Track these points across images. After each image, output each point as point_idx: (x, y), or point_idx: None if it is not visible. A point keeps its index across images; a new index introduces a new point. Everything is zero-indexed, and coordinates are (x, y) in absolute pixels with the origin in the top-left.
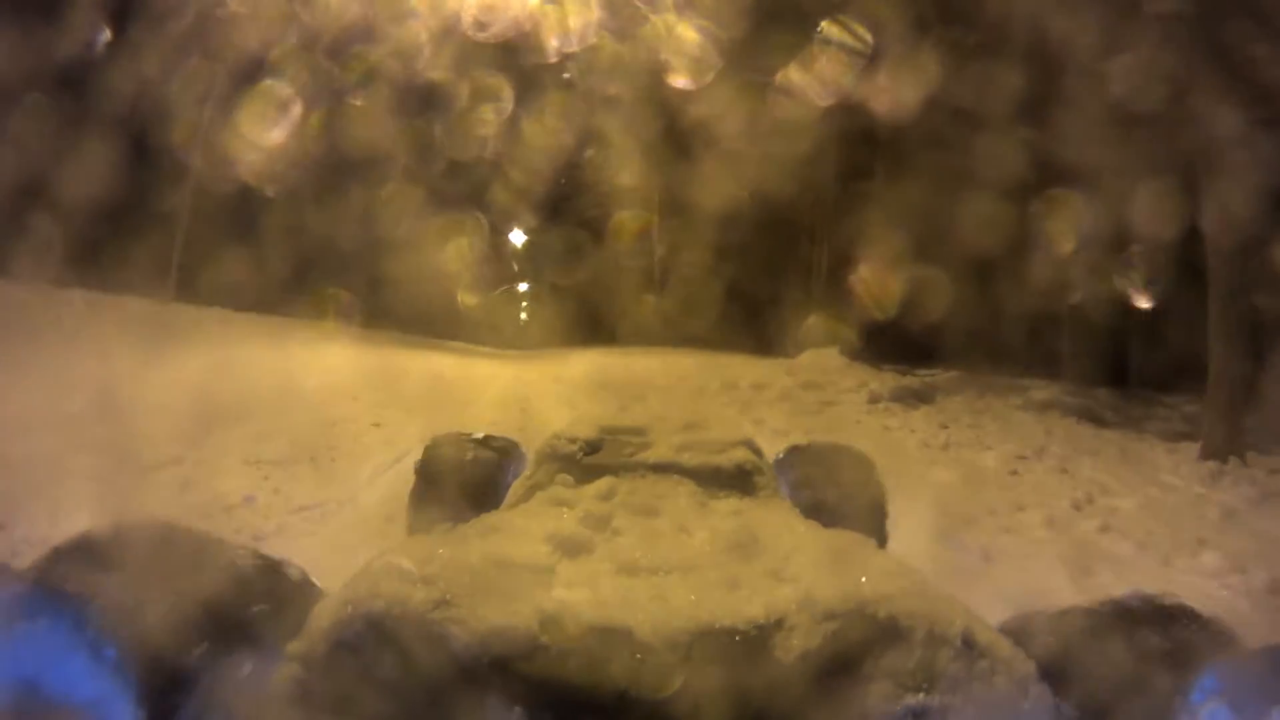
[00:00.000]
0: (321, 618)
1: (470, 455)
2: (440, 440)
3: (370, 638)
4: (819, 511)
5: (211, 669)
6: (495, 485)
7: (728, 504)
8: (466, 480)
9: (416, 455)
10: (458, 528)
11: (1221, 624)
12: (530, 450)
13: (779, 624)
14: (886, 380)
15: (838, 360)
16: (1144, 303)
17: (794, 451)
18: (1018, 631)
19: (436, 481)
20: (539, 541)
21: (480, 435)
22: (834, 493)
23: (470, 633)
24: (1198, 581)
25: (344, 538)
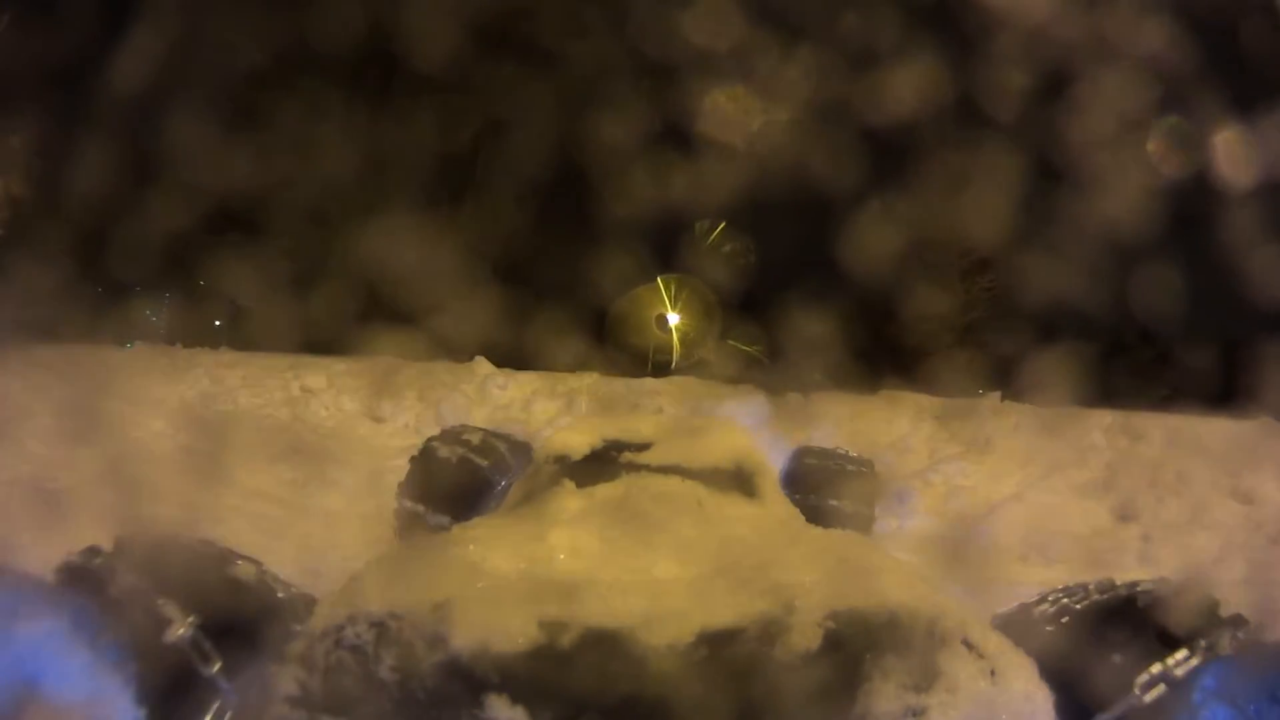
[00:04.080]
0: (322, 619)
1: (469, 453)
2: (440, 437)
3: (370, 638)
4: (820, 513)
5: (210, 670)
6: (494, 485)
7: (729, 505)
8: (464, 479)
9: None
10: (457, 530)
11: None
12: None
13: (780, 624)
14: None
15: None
16: None
17: (795, 455)
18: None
19: (433, 479)
20: (540, 543)
21: (482, 431)
22: (834, 494)
23: (471, 634)
24: None
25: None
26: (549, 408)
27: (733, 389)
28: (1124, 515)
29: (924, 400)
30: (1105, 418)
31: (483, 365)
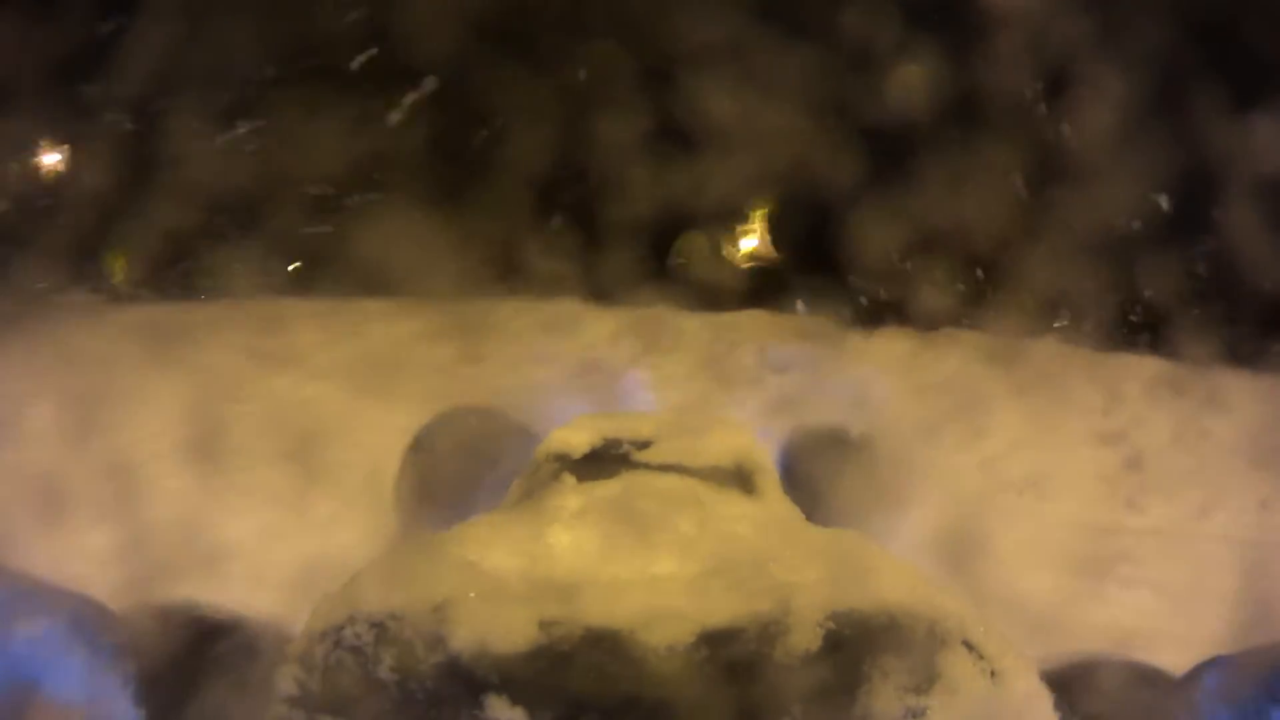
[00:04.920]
0: (322, 619)
1: (475, 438)
2: (441, 419)
3: (370, 639)
4: (819, 506)
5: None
6: (499, 474)
7: (729, 504)
8: (468, 468)
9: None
10: (457, 529)
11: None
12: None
13: (779, 624)
14: None
15: None
16: None
17: (792, 441)
18: None
19: (433, 468)
20: (539, 542)
21: (488, 411)
22: (834, 484)
23: (470, 634)
24: None
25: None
26: (634, 344)
27: (807, 322)
28: (1131, 465)
29: (977, 339)
30: (1150, 367)
31: (569, 302)
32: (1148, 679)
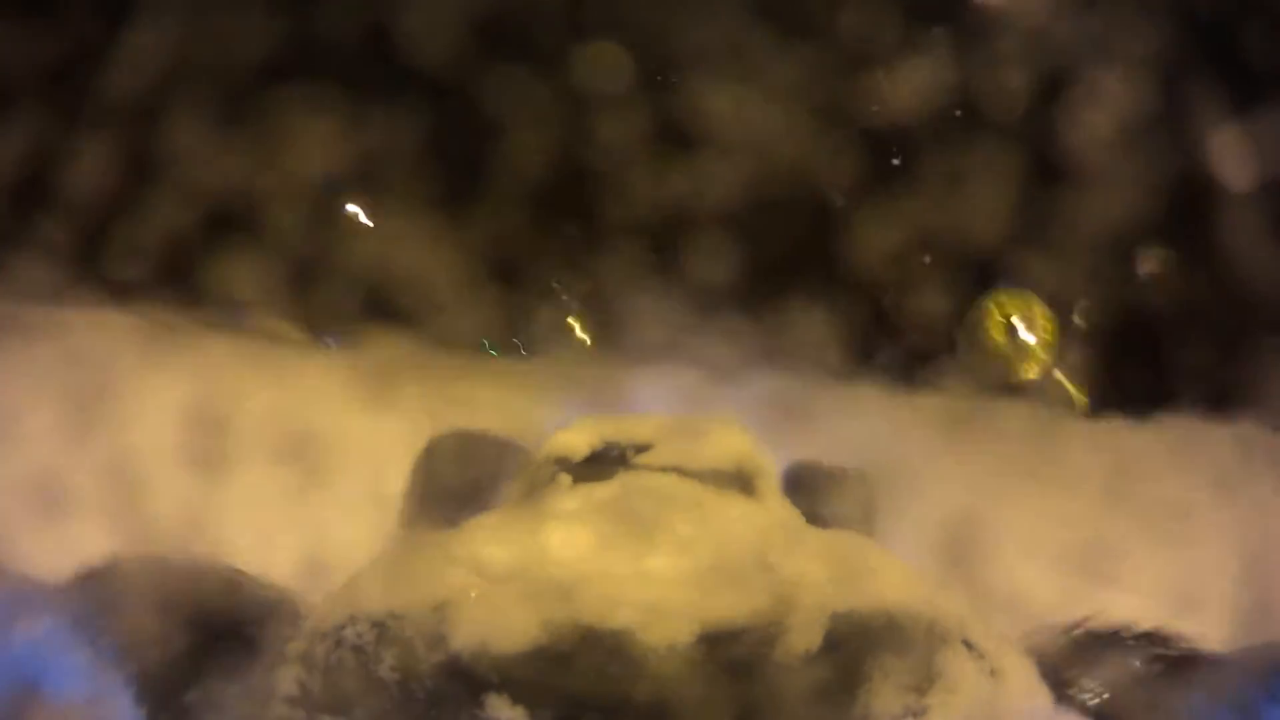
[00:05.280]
0: (322, 618)
1: (473, 453)
2: (442, 438)
3: (371, 638)
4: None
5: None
6: (495, 484)
7: (728, 505)
8: (467, 479)
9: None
10: (457, 528)
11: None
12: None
13: (779, 625)
14: None
15: None
16: None
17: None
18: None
19: (436, 479)
20: (539, 542)
21: (483, 431)
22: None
23: (471, 634)
24: None
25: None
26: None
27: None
28: (1131, 465)
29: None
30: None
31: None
32: (1149, 671)
